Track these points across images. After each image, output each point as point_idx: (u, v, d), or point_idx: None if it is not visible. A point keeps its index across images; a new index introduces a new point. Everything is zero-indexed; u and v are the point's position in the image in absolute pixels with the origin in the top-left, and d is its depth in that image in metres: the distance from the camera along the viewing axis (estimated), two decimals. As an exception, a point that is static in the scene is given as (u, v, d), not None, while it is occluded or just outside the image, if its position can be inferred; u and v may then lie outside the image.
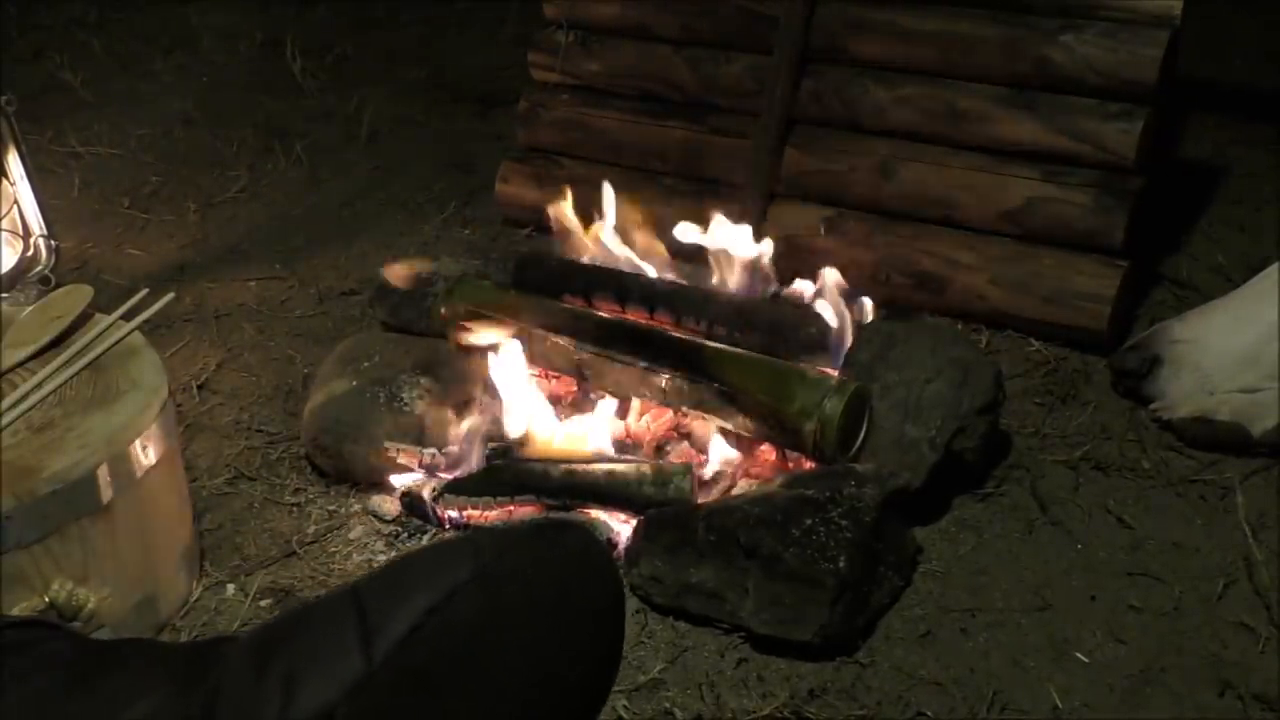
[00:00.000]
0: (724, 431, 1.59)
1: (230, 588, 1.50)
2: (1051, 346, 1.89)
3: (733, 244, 1.80)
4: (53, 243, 2.00)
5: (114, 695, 0.75)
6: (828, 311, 1.68)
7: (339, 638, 0.76)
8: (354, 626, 0.76)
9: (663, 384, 1.59)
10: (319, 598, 0.87)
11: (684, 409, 1.62)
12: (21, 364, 1.43)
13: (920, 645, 1.38)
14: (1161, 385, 1.69)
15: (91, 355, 1.44)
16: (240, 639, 0.80)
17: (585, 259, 1.86)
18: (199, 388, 1.90)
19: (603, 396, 1.69)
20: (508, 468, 1.57)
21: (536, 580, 0.81)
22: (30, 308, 1.54)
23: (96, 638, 1.14)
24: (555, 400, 1.70)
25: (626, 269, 1.82)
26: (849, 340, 1.63)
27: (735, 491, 1.55)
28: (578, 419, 1.65)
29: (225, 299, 2.15)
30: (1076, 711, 1.30)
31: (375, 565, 1.53)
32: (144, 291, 1.54)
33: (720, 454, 1.59)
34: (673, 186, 2.13)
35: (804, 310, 1.70)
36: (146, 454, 1.35)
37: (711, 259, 1.82)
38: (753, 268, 1.79)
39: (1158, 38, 1.77)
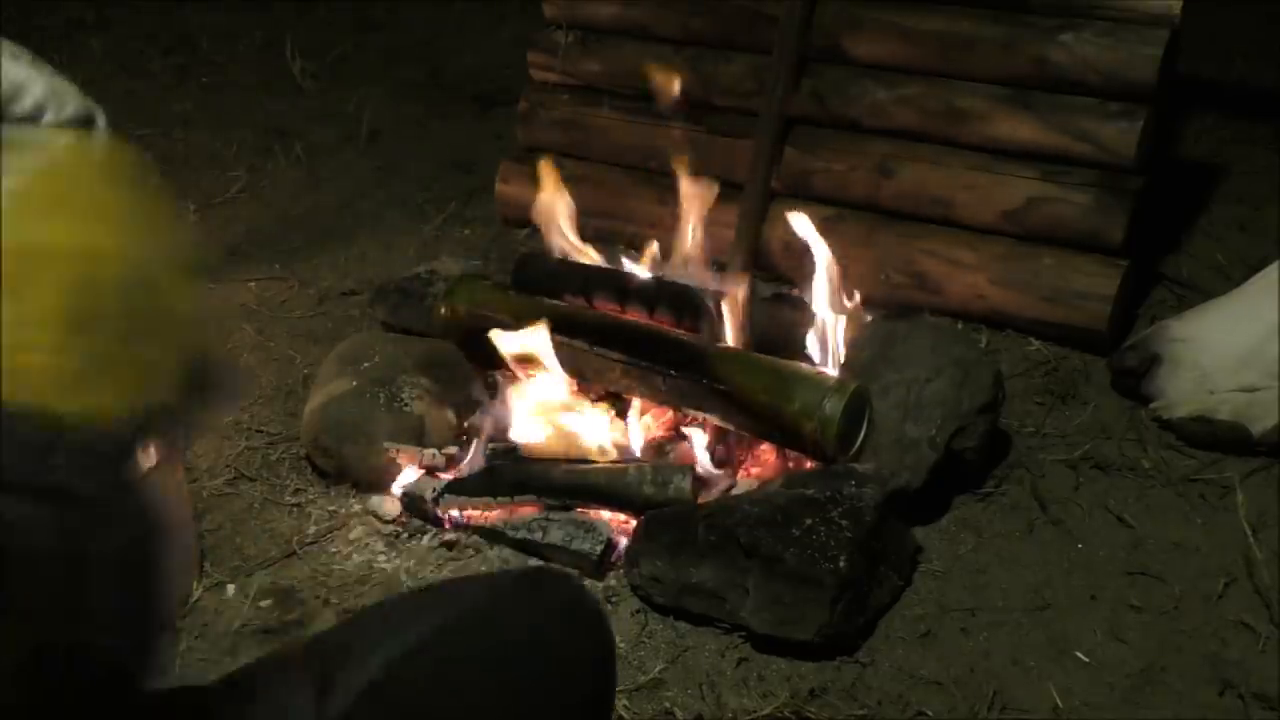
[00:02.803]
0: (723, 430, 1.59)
1: (230, 588, 1.50)
2: (1051, 346, 1.89)
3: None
4: (53, 243, 1.99)
5: None
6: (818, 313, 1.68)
7: (291, 695, 0.74)
8: (309, 682, 0.74)
9: (663, 384, 1.59)
10: (275, 651, 0.85)
11: (684, 409, 1.62)
12: (21, 364, 1.43)
13: (920, 645, 1.38)
14: (1161, 384, 1.68)
15: (91, 355, 1.44)
16: (204, 690, 0.78)
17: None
18: (199, 388, 1.89)
19: (603, 396, 1.69)
20: (508, 468, 1.58)
21: (504, 636, 0.79)
22: (30, 308, 1.53)
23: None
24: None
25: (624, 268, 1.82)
26: (831, 341, 1.63)
27: (735, 491, 1.55)
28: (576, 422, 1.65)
29: (225, 299, 2.15)
30: (1076, 711, 1.30)
31: (375, 566, 1.54)
32: (144, 292, 1.54)
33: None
34: (671, 187, 2.12)
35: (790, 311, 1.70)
36: (146, 454, 1.34)
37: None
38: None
39: (1157, 37, 1.77)
